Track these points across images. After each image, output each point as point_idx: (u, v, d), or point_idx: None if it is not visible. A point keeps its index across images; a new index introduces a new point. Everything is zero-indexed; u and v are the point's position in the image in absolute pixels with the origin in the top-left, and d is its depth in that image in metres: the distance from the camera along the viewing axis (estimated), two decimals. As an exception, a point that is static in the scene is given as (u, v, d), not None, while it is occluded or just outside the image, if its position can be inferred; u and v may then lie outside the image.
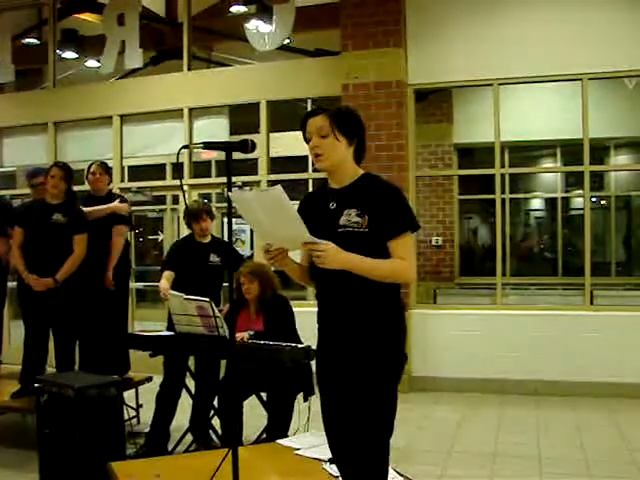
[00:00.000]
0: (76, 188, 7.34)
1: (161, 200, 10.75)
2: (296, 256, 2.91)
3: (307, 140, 2.85)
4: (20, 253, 5.70)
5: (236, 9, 8.62)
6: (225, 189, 2.87)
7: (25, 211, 5.90)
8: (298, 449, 4.27)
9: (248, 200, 2.68)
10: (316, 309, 2.95)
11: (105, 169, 6.24)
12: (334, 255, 2.61)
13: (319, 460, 3.99)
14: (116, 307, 6.18)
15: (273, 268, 4.86)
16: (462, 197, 11.19)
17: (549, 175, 12.57)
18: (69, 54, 9.60)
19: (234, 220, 7.71)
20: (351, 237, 2.72)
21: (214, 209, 6.57)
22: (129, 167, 9.78)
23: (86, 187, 6.38)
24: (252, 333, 4.92)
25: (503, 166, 8.50)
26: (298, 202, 3.04)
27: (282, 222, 2.61)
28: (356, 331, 2.78)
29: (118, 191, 8.61)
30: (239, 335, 4.86)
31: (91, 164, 6.25)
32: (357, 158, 2.89)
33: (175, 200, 9.92)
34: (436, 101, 10.58)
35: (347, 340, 2.80)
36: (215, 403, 5.25)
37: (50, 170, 5.76)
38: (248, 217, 2.78)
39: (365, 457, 2.76)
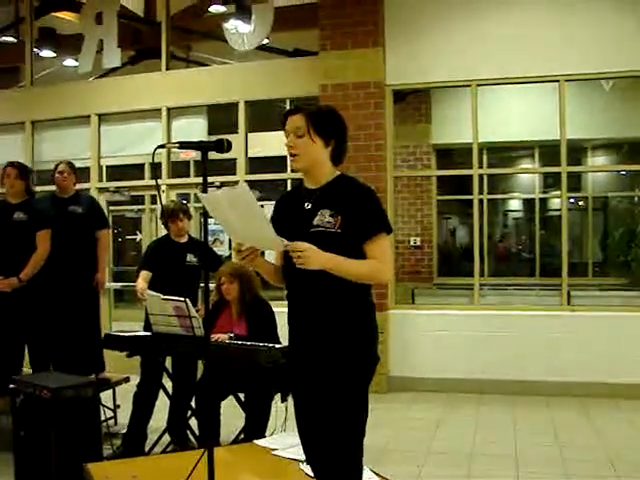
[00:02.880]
0: (47, 188, 7.33)
1: (139, 200, 10.70)
2: (269, 255, 2.91)
3: (286, 136, 2.85)
4: None
5: (215, 9, 8.59)
6: (200, 189, 2.86)
7: None
8: (275, 449, 4.27)
9: (217, 199, 2.68)
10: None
11: (72, 169, 6.20)
12: (315, 255, 2.61)
13: (296, 460, 3.99)
14: (88, 307, 6.16)
15: (250, 268, 4.86)
16: (440, 198, 11.24)
17: (527, 176, 12.66)
18: (47, 53, 9.52)
19: (213, 220, 7.69)
20: (323, 237, 2.71)
21: (192, 209, 6.57)
22: (107, 167, 9.73)
23: (50, 188, 6.33)
24: (232, 335, 4.91)
25: (481, 167, 8.54)
26: (274, 202, 3.05)
27: (250, 221, 2.61)
28: (326, 332, 2.76)
29: (96, 192, 8.62)
30: (219, 336, 4.86)
31: (58, 163, 6.21)
32: (335, 159, 2.88)
33: (153, 200, 9.86)
34: (414, 102, 10.60)
35: (316, 341, 2.79)
36: (192, 404, 5.24)
37: (5, 170, 5.72)
38: (219, 218, 2.79)
39: (337, 459, 2.74)
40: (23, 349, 5.81)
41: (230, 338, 4.87)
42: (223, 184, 8.04)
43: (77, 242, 6.04)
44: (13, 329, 5.69)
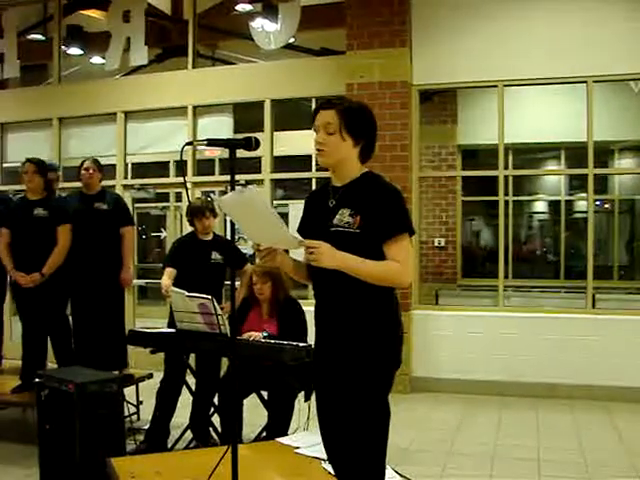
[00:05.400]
0: (72, 185, 7.40)
1: (164, 197, 10.77)
2: (298, 254, 2.90)
3: (316, 131, 2.81)
4: (7, 252, 5.75)
5: (242, 7, 8.61)
6: (228, 187, 2.87)
7: (9, 211, 5.95)
8: (298, 447, 4.27)
9: (229, 203, 2.69)
10: (318, 308, 2.93)
11: (98, 166, 6.26)
12: (328, 254, 2.58)
13: (319, 459, 3.99)
14: (112, 303, 6.20)
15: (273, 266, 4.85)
16: (465, 199, 11.16)
17: (553, 177, 12.57)
18: (74, 50, 9.60)
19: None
20: (342, 237, 2.69)
21: (217, 207, 6.59)
22: (133, 164, 9.79)
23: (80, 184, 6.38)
24: (266, 334, 4.91)
25: (507, 168, 8.49)
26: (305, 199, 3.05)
27: (263, 222, 2.59)
28: (349, 332, 2.75)
29: (121, 189, 8.67)
30: (252, 334, 4.86)
31: (84, 160, 6.26)
32: (363, 157, 2.84)
33: (178, 197, 9.93)
34: (440, 102, 10.57)
35: (340, 341, 2.77)
36: (215, 401, 5.25)
37: (23, 166, 5.79)
38: (235, 220, 2.80)
39: (359, 459, 2.73)
40: (46, 344, 5.87)
41: (264, 337, 4.88)
42: (248, 182, 8.08)
43: (102, 239, 6.09)
44: (37, 324, 5.76)
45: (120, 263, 6.21)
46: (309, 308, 2.95)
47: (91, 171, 6.15)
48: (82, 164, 6.21)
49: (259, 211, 2.56)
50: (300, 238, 2.60)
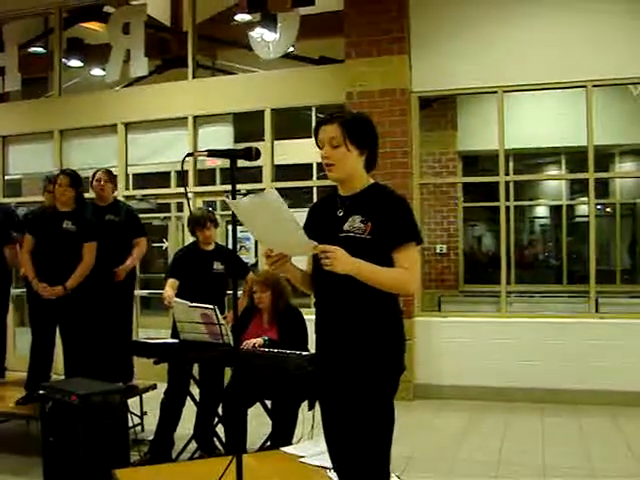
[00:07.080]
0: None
1: (166, 208, 10.78)
2: (300, 262, 2.92)
3: (320, 146, 2.86)
4: (30, 260, 5.71)
5: (241, 17, 8.63)
6: (229, 196, 2.88)
7: (36, 219, 5.91)
8: (302, 456, 4.26)
9: (245, 207, 2.70)
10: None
11: (111, 177, 6.25)
12: (343, 259, 2.61)
13: (323, 467, 3.98)
14: (121, 315, 6.19)
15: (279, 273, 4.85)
16: (466, 205, 11.18)
17: (554, 182, 12.58)
18: (75, 62, 9.62)
19: (238, 228, 7.71)
20: (352, 242, 2.72)
21: (219, 217, 6.60)
22: (134, 175, 9.81)
23: (91, 194, 6.38)
24: (266, 339, 4.91)
25: (507, 173, 8.49)
26: (305, 209, 3.06)
27: (279, 226, 2.62)
28: (352, 340, 2.77)
29: (123, 200, 8.68)
30: (252, 341, 4.86)
31: (96, 171, 6.24)
32: (368, 166, 2.89)
33: (180, 208, 9.94)
34: (440, 109, 10.58)
35: (342, 349, 2.79)
36: (219, 410, 5.25)
37: (57, 178, 5.76)
38: (248, 224, 2.81)
39: (364, 467, 2.75)
40: (53, 355, 5.86)
41: (264, 342, 4.88)
42: (249, 192, 8.07)
43: (114, 250, 6.07)
44: (48, 335, 5.74)
45: (132, 275, 6.21)
46: (310, 317, 2.95)
47: (102, 182, 6.14)
48: (94, 175, 6.20)
49: (277, 214, 2.58)
50: (315, 243, 2.62)
